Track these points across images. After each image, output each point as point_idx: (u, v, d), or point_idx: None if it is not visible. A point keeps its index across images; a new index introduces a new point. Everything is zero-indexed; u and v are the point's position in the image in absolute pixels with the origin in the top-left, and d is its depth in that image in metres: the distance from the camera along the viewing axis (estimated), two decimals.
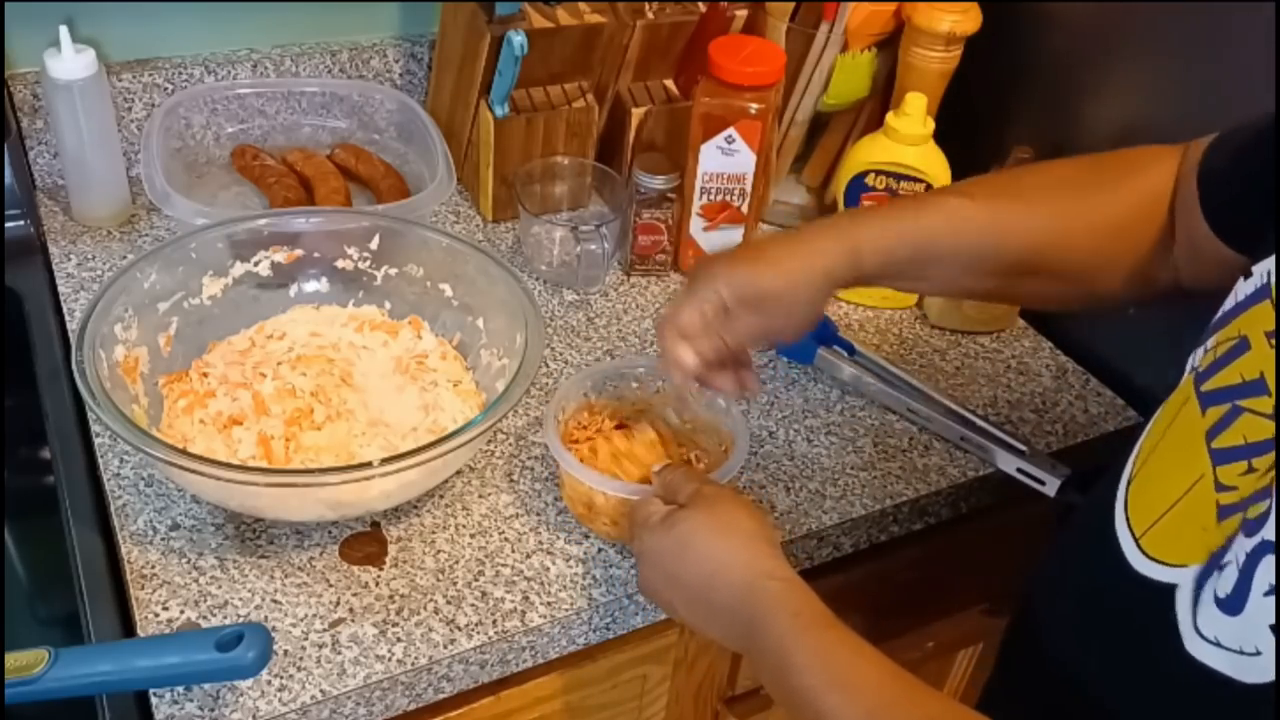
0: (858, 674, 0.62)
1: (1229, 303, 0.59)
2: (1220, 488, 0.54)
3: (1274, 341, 0.54)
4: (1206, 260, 0.71)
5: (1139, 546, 0.58)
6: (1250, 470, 0.53)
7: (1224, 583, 0.51)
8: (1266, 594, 0.49)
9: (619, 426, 0.90)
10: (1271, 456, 0.52)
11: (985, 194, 0.77)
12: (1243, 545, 0.51)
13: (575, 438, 0.88)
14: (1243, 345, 0.56)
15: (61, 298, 1.02)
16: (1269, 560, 0.49)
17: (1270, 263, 0.56)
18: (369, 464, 0.76)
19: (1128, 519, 0.60)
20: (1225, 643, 0.51)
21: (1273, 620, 0.48)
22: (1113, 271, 0.77)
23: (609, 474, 0.84)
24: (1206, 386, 0.58)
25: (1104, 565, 0.60)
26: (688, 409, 0.89)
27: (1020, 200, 0.77)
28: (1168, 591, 0.55)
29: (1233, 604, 0.51)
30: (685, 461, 0.87)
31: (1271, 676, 0.48)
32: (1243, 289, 0.58)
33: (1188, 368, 0.61)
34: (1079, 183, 0.78)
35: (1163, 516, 0.58)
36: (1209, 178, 0.71)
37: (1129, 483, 0.62)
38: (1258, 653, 0.49)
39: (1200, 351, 0.60)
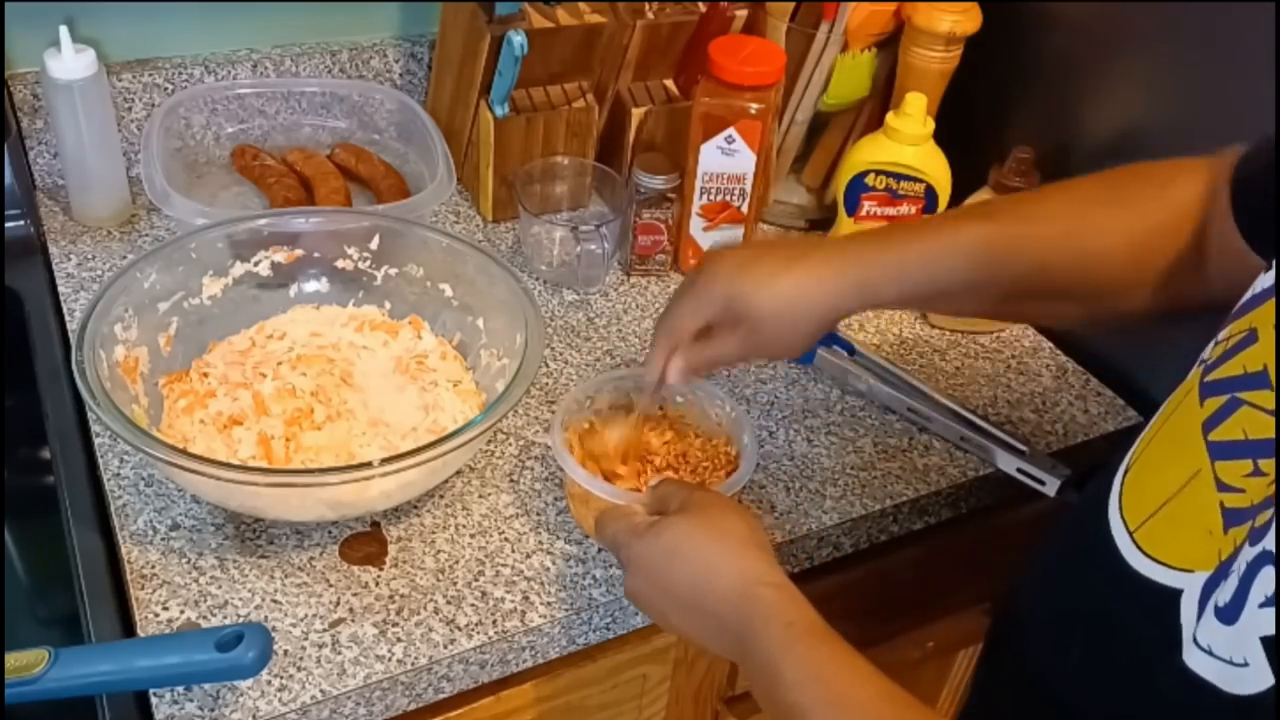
0: (849, 692, 0.60)
1: (1247, 295, 0.58)
2: (1223, 487, 0.53)
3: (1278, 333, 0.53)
4: (1245, 272, 0.70)
5: (1135, 542, 0.57)
6: (1257, 473, 0.52)
7: (1225, 591, 0.50)
8: (1261, 605, 0.48)
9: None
10: None
11: (1007, 218, 0.75)
12: (1246, 554, 0.50)
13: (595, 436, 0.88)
14: (1251, 338, 0.55)
15: (61, 298, 1.02)
16: (1268, 571, 0.48)
17: None
18: (369, 464, 0.76)
19: (1122, 513, 0.59)
20: (1218, 652, 0.50)
21: (1264, 632, 0.47)
22: (1140, 289, 0.75)
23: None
24: (1210, 378, 0.57)
25: (1096, 560, 0.59)
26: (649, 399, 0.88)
27: (1043, 223, 0.75)
28: (1171, 596, 0.54)
29: (1229, 613, 0.50)
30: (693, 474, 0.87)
31: (1259, 688, 0.47)
32: (1262, 282, 0.57)
33: (1197, 360, 0.60)
34: (1103, 200, 0.76)
35: (1159, 510, 0.57)
36: (1243, 187, 0.70)
37: (1125, 475, 0.61)
38: (1245, 664, 0.48)
39: (1212, 344, 0.59)
